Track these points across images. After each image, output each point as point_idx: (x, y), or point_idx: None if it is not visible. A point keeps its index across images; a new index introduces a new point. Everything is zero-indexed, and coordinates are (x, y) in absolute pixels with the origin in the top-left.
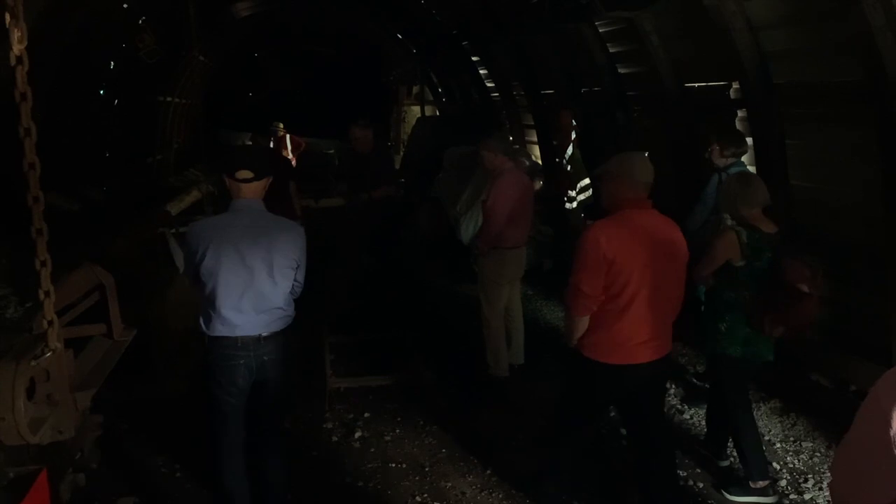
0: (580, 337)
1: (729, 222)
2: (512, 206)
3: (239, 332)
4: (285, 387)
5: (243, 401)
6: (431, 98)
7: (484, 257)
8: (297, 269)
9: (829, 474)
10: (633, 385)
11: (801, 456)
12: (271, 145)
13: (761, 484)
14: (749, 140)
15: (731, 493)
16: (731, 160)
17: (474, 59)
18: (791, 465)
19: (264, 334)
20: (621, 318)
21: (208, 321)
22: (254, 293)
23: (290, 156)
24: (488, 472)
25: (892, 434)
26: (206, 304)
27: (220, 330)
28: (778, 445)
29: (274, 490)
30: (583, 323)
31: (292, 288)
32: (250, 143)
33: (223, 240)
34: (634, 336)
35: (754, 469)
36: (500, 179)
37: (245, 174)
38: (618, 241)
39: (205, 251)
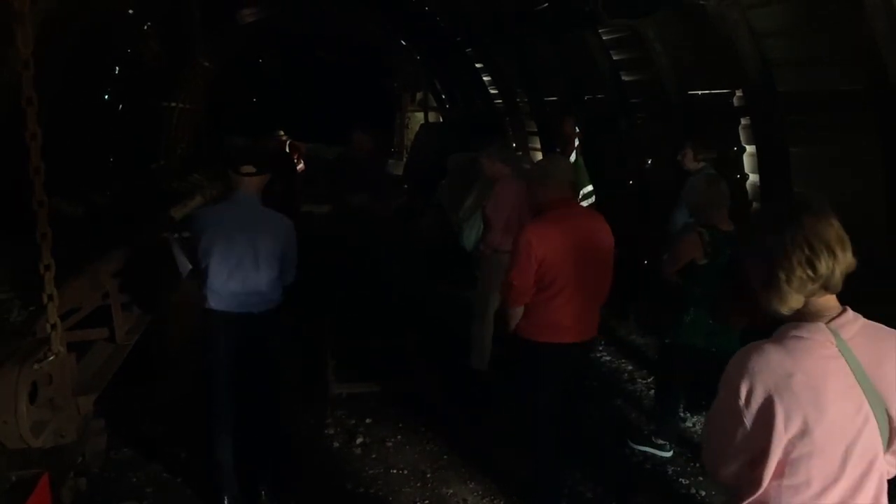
0: (517, 323)
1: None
2: (510, 213)
3: (223, 307)
4: (271, 368)
5: (231, 371)
6: (435, 104)
7: (486, 260)
8: (283, 258)
9: None
10: (562, 362)
11: None
12: (278, 150)
13: (661, 441)
14: (751, 148)
15: (634, 442)
16: (702, 164)
17: (478, 65)
18: None
19: (245, 313)
20: (551, 306)
21: (202, 294)
22: (240, 276)
23: (296, 160)
24: (490, 478)
25: (740, 405)
26: (201, 280)
27: (208, 303)
28: None
29: (260, 467)
30: (516, 313)
31: (281, 276)
32: (257, 144)
33: (218, 226)
34: (562, 320)
35: (662, 429)
36: (498, 186)
37: (248, 168)
38: (547, 241)
39: (201, 234)
